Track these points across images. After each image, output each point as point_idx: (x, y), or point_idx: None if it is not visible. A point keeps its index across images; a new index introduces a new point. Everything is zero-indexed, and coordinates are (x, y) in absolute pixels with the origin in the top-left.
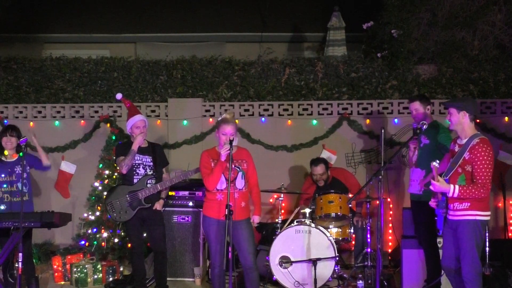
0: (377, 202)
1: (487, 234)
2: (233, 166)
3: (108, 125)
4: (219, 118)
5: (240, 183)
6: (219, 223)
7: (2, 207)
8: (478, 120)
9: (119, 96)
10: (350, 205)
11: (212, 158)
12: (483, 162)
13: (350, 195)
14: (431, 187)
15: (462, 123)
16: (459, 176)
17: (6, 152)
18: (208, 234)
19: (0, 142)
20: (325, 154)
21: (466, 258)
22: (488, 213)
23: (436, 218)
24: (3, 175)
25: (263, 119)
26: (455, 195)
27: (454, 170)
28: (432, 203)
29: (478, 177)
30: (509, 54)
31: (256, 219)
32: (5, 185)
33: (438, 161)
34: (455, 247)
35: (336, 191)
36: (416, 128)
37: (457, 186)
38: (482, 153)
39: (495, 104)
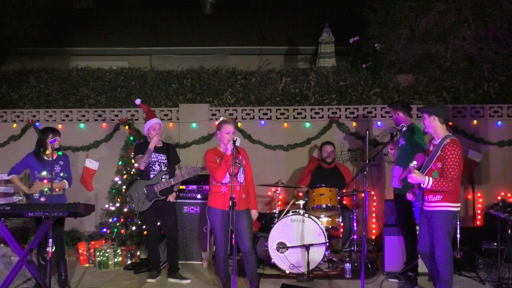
0: (362, 194)
1: (458, 223)
2: (235, 162)
3: (127, 127)
4: (219, 121)
5: (240, 177)
6: (223, 213)
7: (42, 199)
8: (450, 123)
9: (138, 101)
10: (338, 198)
11: (217, 156)
12: (453, 158)
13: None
14: (409, 180)
15: (433, 126)
16: (433, 172)
17: (47, 152)
18: (213, 223)
19: (43, 143)
20: (316, 153)
21: (439, 244)
22: (458, 204)
23: (413, 209)
24: (44, 173)
25: (262, 122)
26: (429, 186)
27: (429, 168)
28: (409, 196)
29: (448, 172)
30: (477, 65)
31: (254, 213)
32: (45, 181)
33: (415, 162)
34: (429, 234)
35: (326, 185)
36: (392, 132)
37: (431, 178)
38: (452, 151)
39: (465, 109)
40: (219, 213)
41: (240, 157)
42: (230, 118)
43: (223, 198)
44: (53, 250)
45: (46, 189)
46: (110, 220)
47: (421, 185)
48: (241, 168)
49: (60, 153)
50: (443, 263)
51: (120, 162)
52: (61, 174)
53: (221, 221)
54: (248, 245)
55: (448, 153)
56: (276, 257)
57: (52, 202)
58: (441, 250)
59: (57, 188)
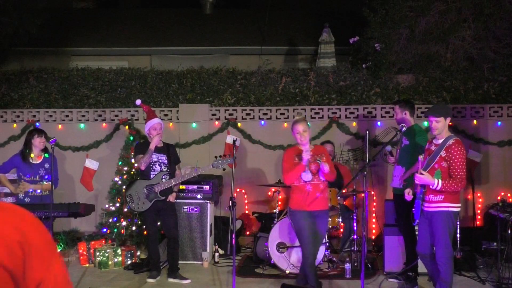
0: (362, 194)
1: (458, 223)
2: (315, 159)
3: (127, 127)
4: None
5: (321, 175)
6: (309, 214)
7: (27, 200)
8: (450, 123)
9: (138, 102)
10: (338, 198)
11: (296, 154)
12: (459, 159)
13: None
14: (416, 180)
15: (446, 127)
16: (435, 171)
17: (32, 155)
18: (299, 226)
19: (28, 143)
20: None
21: (440, 244)
22: (459, 205)
23: (413, 210)
24: (28, 176)
25: (262, 122)
26: (438, 188)
27: (431, 166)
28: (407, 196)
29: (456, 173)
30: (477, 65)
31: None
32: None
33: (422, 155)
34: (429, 235)
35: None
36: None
37: (440, 181)
38: (458, 151)
39: (465, 109)
40: (304, 215)
41: (320, 154)
42: (302, 117)
43: (307, 197)
44: None
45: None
46: (110, 220)
47: (431, 186)
48: (322, 164)
49: (46, 155)
50: (443, 263)
51: (120, 162)
52: (46, 177)
53: (308, 224)
54: (317, 248)
55: (455, 153)
56: (276, 257)
57: (52, 202)
58: (442, 250)
59: (43, 190)
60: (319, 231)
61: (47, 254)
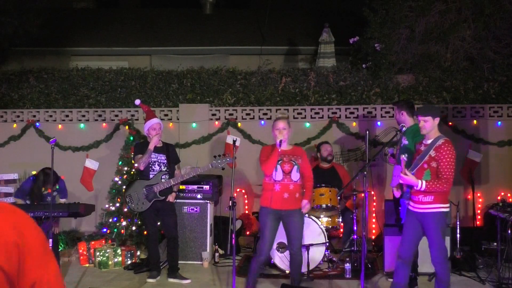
0: (362, 195)
1: (457, 223)
2: (290, 160)
3: (127, 127)
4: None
5: (295, 175)
6: (274, 212)
7: (28, 202)
8: (450, 123)
9: (137, 102)
10: (338, 198)
11: (271, 150)
12: (448, 159)
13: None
14: (400, 180)
15: (435, 127)
16: (424, 171)
17: (43, 189)
18: (262, 223)
19: (40, 186)
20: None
21: (434, 245)
22: (448, 205)
23: (400, 208)
24: (35, 203)
25: (262, 122)
26: (422, 189)
27: (419, 166)
28: (396, 193)
29: (443, 173)
30: (477, 65)
31: (304, 202)
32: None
33: (406, 155)
34: (415, 236)
35: (326, 185)
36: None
37: (424, 182)
38: (448, 152)
39: (465, 109)
40: (268, 212)
41: (296, 156)
42: (285, 116)
43: (275, 196)
44: None
45: None
46: (110, 220)
47: (415, 187)
48: (296, 167)
49: (57, 187)
50: (439, 263)
51: (120, 162)
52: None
53: (270, 220)
54: (297, 246)
55: (444, 153)
56: (276, 257)
57: (52, 202)
58: (437, 251)
59: None
60: (290, 231)
61: (41, 255)
